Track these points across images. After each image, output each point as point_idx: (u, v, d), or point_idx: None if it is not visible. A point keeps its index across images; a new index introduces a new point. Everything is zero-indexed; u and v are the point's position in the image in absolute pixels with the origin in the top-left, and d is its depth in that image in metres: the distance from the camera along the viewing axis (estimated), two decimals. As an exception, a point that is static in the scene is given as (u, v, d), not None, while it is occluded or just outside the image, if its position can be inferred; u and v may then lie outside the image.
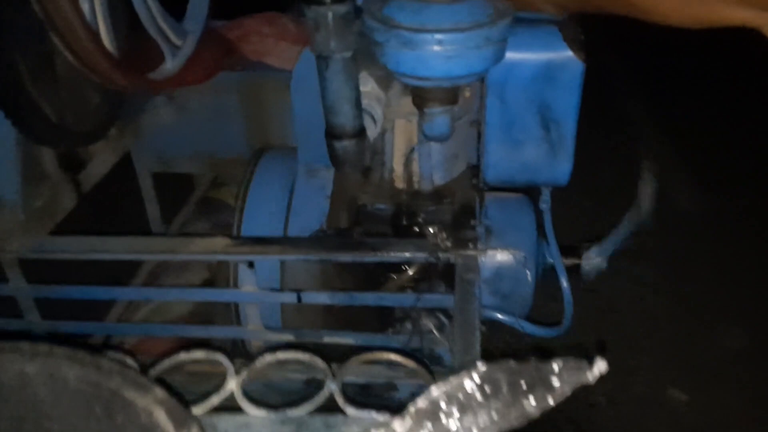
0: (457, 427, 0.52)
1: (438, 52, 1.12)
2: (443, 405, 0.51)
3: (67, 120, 1.30)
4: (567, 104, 1.33)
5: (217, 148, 1.88)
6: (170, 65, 1.42)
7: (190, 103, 1.81)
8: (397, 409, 0.81)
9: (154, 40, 1.36)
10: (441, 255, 1.24)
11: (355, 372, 0.99)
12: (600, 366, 0.52)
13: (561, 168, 1.41)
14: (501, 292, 1.50)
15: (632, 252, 2.84)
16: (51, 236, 1.39)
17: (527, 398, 0.49)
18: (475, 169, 1.49)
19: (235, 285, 1.40)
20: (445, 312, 1.39)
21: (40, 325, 1.38)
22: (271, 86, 1.76)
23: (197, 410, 0.84)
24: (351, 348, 1.31)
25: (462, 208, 1.45)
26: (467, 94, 1.39)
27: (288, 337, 1.34)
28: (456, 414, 0.52)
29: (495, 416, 0.50)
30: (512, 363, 0.51)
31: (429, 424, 0.52)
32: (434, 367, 1.03)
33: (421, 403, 0.53)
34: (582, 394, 0.56)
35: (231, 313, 1.49)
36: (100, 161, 1.64)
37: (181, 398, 0.75)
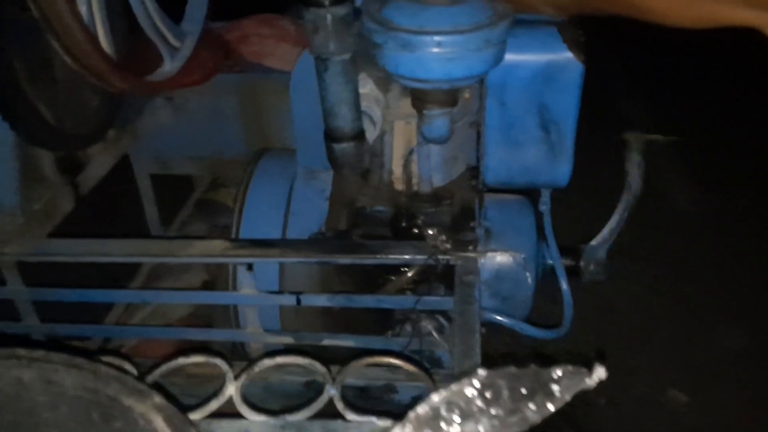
0: (458, 434, 0.52)
1: (437, 54, 1.12)
2: (443, 411, 0.51)
3: (66, 122, 1.29)
4: (566, 105, 1.32)
5: (215, 150, 1.88)
6: (169, 67, 1.42)
7: (189, 104, 1.81)
8: (396, 411, 0.81)
9: (152, 42, 1.36)
10: (440, 257, 1.24)
11: (355, 375, 0.98)
12: (599, 372, 0.52)
13: (561, 169, 1.40)
14: (501, 294, 1.49)
15: (632, 252, 2.84)
16: (49, 239, 1.38)
17: (528, 404, 0.49)
18: (474, 171, 1.49)
19: (234, 287, 1.39)
20: (444, 314, 1.38)
21: (39, 328, 1.37)
22: (269, 88, 1.75)
23: (196, 415, 0.84)
24: (350, 350, 1.31)
25: (461, 210, 1.45)
26: (466, 95, 1.39)
27: (287, 340, 1.34)
28: (456, 420, 0.51)
29: (496, 423, 0.50)
30: (512, 369, 0.51)
31: (429, 431, 0.52)
32: (434, 369, 1.03)
33: (422, 409, 0.53)
34: (582, 394, 0.56)
35: (230, 316, 1.49)
36: (99, 163, 1.63)
37: (180, 404, 0.75)
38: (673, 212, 3.12)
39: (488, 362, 0.94)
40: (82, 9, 1.17)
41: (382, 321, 1.47)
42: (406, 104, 1.34)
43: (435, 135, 1.30)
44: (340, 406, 0.86)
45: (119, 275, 1.80)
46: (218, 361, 0.93)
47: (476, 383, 0.50)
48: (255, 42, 1.82)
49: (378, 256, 1.24)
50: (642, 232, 2.95)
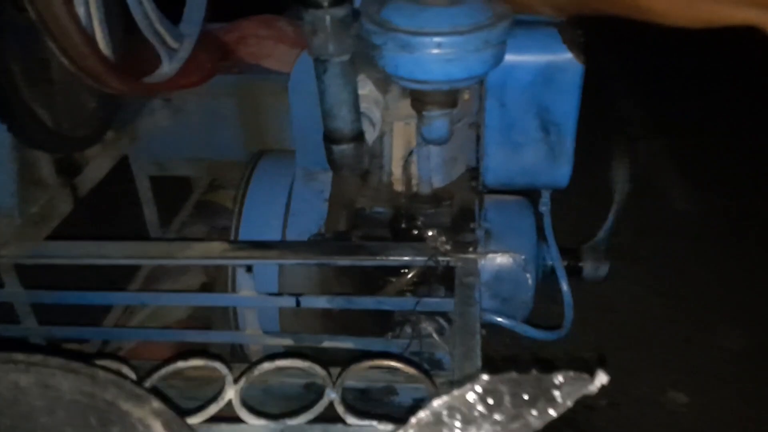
0: (459, 439, 0.51)
1: (436, 55, 1.11)
2: (445, 417, 0.51)
3: (63, 124, 1.29)
4: (566, 106, 1.32)
5: (214, 152, 1.88)
6: (167, 68, 1.42)
7: (187, 106, 1.81)
8: (397, 416, 0.80)
9: (150, 44, 1.35)
10: (440, 258, 1.24)
11: (355, 378, 0.98)
12: (601, 378, 0.51)
13: (561, 170, 1.40)
14: (501, 296, 1.49)
15: (632, 252, 2.84)
16: (47, 241, 1.38)
17: (530, 410, 0.49)
18: (474, 172, 1.49)
19: (233, 289, 1.39)
20: (444, 316, 1.38)
21: (37, 330, 1.37)
22: (268, 89, 1.75)
23: (195, 420, 0.83)
24: (350, 351, 1.31)
25: (461, 211, 1.44)
26: (466, 96, 1.39)
27: (287, 342, 1.34)
28: (458, 426, 0.51)
29: (498, 429, 0.49)
30: (514, 374, 0.50)
31: (430, 436, 0.51)
32: (434, 371, 1.03)
33: (423, 414, 0.53)
34: (582, 397, 0.56)
35: (229, 318, 1.48)
36: (97, 165, 1.63)
37: (178, 408, 0.74)
38: (673, 213, 3.12)
39: (489, 364, 0.94)
40: (80, 10, 1.17)
41: (382, 323, 1.47)
42: (405, 105, 1.34)
43: (434, 136, 1.30)
44: (340, 409, 0.86)
45: (118, 277, 1.80)
46: (217, 365, 0.93)
47: (478, 389, 0.50)
48: (253, 43, 1.81)
49: (377, 257, 1.23)
50: (642, 233, 2.95)
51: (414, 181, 1.46)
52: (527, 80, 1.29)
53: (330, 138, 1.25)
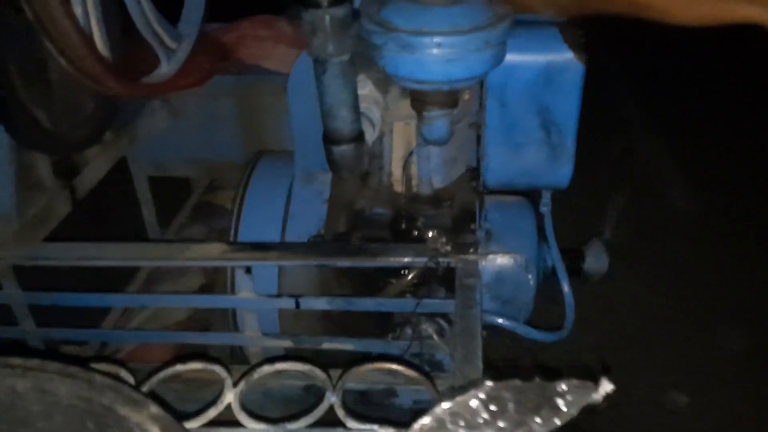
0: (462, 445, 0.51)
1: (437, 55, 1.11)
2: (449, 423, 0.50)
3: (61, 126, 1.28)
4: (567, 106, 1.31)
5: (213, 153, 1.87)
6: (165, 69, 1.41)
7: (186, 107, 1.80)
8: (398, 420, 0.80)
9: (148, 44, 1.34)
10: (441, 260, 1.23)
11: (355, 380, 0.97)
12: (606, 387, 0.51)
13: (561, 171, 1.39)
14: (502, 297, 1.48)
15: (632, 253, 2.83)
16: (46, 243, 1.37)
17: (534, 418, 0.48)
18: (474, 172, 1.48)
19: (233, 291, 1.38)
20: (445, 317, 1.37)
21: (35, 332, 1.36)
22: (267, 90, 1.74)
23: (193, 424, 0.82)
24: (350, 353, 1.30)
25: (462, 212, 1.44)
26: (466, 96, 1.38)
27: (286, 344, 1.33)
28: (461, 432, 0.50)
29: (501, 435, 0.49)
30: (517, 382, 0.50)
31: (433, 442, 0.51)
32: (434, 373, 1.02)
33: (426, 420, 0.52)
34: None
35: (228, 319, 1.48)
36: (95, 166, 1.62)
37: (177, 412, 0.74)
38: (673, 213, 3.11)
39: (490, 367, 0.93)
40: (77, 11, 1.16)
41: (382, 324, 1.46)
42: (405, 106, 1.33)
43: (435, 136, 1.29)
44: (341, 413, 0.85)
45: (116, 279, 1.79)
46: (216, 368, 0.92)
47: (481, 395, 0.49)
48: (252, 44, 1.80)
49: (378, 258, 1.23)
50: (642, 233, 2.95)
51: (414, 182, 1.46)
52: (528, 80, 1.28)
53: (330, 139, 1.25)
